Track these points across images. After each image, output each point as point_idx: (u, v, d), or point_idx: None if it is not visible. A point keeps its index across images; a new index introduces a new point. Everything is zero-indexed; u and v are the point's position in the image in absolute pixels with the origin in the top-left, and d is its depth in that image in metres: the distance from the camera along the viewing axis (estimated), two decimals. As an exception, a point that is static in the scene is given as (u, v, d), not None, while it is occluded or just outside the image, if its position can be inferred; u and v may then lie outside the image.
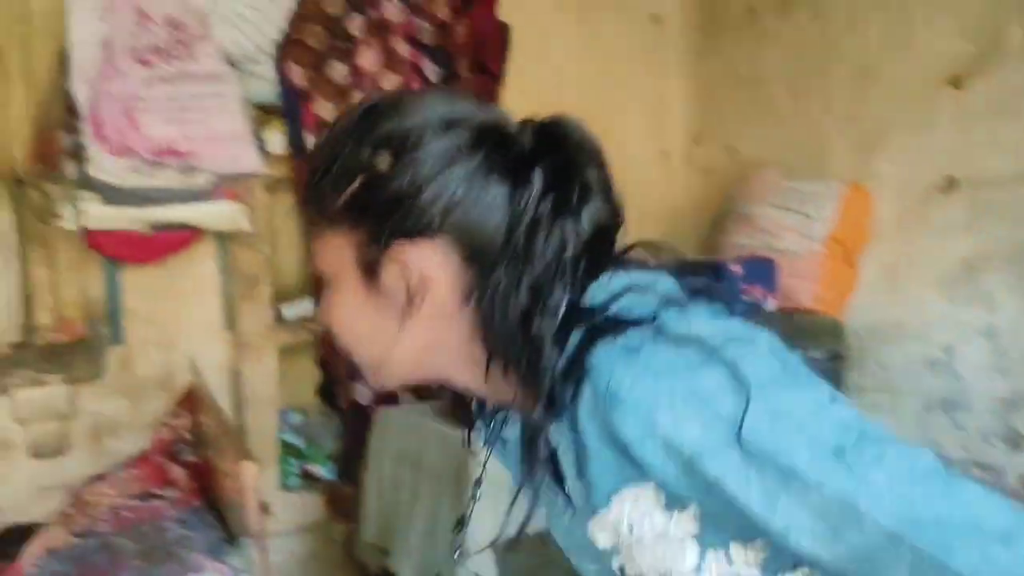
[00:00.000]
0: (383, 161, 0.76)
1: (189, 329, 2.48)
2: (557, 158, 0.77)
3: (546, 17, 2.92)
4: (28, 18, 2.27)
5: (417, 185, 0.75)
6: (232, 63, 2.25)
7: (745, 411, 0.66)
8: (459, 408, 1.01)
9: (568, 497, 0.78)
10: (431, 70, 2.61)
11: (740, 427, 0.66)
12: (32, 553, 1.57)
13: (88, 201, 2.13)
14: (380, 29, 2.54)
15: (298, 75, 2.42)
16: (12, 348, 2.21)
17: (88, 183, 2.11)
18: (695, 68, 3.09)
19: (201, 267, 2.49)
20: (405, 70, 2.58)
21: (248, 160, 2.19)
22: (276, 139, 2.42)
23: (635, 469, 0.73)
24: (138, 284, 2.42)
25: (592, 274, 0.77)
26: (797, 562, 0.72)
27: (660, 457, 0.70)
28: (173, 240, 2.32)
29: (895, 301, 2.36)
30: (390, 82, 2.56)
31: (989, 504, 0.64)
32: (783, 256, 2.37)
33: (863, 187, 2.41)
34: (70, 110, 2.11)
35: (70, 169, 2.13)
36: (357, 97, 2.50)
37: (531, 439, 0.76)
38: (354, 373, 2.41)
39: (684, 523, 0.75)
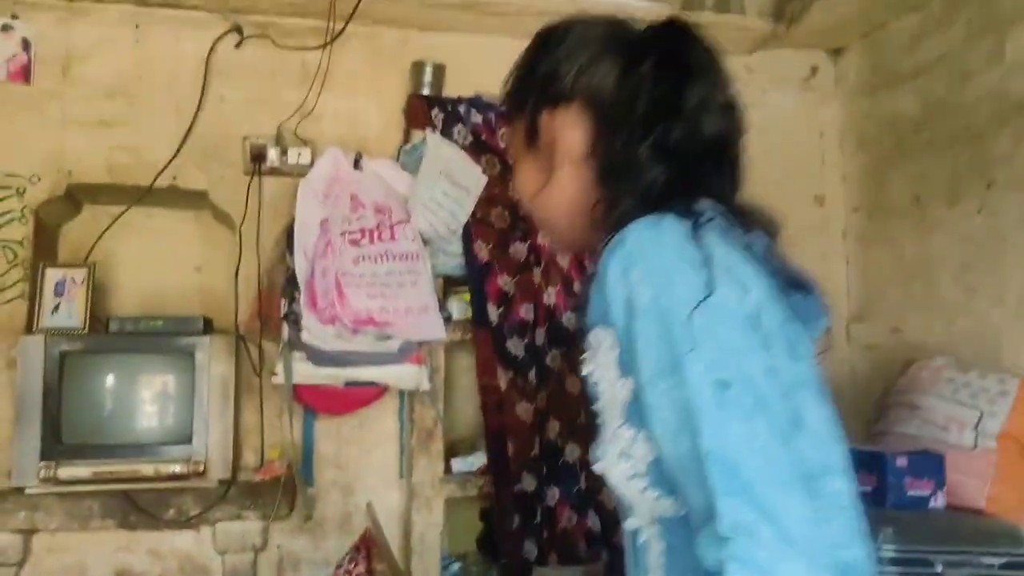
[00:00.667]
0: (532, 58, 1.05)
1: (369, 475, 2.71)
2: (665, 48, 1.00)
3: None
4: (258, 199, 2.67)
5: (556, 65, 1.02)
6: (426, 241, 2.53)
7: (691, 313, 0.81)
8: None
9: None
10: (602, 248, 2.81)
11: (671, 315, 0.82)
12: None
13: (298, 360, 2.43)
14: (558, 210, 2.78)
15: (483, 251, 2.68)
16: (220, 484, 2.49)
17: (300, 344, 2.40)
18: (859, 249, 3.15)
19: (384, 420, 2.74)
20: (578, 247, 2.79)
21: (434, 329, 2.44)
22: (457, 307, 2.67)
23: (607, 311, 0.89)
24: (329, 432, 2.69)
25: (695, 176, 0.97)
26: (675, 486, 0.86)
27: (619, 303, 0.87)
28: (363, 395, 2.59)
29: (1077, 507, 2.26)
30: (562, 257, 2.78)
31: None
32: (952, 451, 2.33)
33: (1041, 384, 2.36)
34: (290, 280, 2.45)
35: (285, 331, 2.45)
36: (535, 271, 2.74)
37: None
38: (522, 532, 2.54)
39: (623, 387, 0.89)
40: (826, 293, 3.27)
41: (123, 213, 2.69)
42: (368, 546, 2.33)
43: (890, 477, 2.25)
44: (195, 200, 2.78)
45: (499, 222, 2.75)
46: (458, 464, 2.69)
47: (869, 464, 2.31)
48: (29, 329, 2.47)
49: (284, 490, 2.54)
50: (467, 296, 2.65)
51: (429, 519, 2.61)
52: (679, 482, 0.84)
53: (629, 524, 0.96)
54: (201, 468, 2.45)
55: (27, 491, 2.39)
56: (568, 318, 2.74)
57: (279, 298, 2.57)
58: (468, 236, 2.66)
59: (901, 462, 2.27)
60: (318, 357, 2.40)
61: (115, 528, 2.46)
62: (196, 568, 2.55)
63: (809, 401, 0.88)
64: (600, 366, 0.92)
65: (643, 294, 0.85)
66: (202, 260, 2.91)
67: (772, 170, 3.15)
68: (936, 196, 2.81)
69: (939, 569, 2.12)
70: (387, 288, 2.42)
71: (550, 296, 2.75)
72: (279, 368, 2.45)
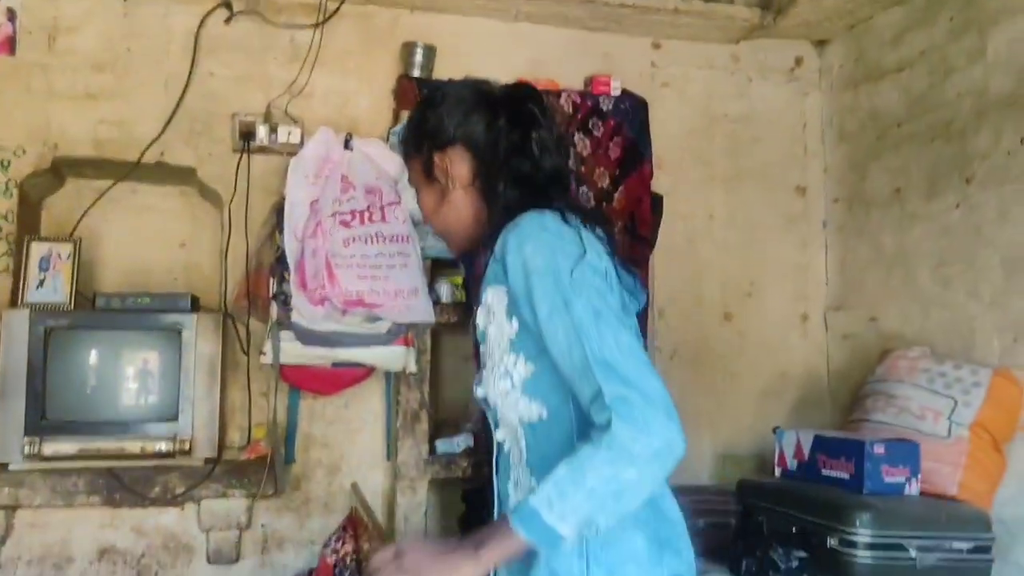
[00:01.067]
0: (423, 115, 1.45)
1: (353, 456, 2.73)
2: (515, 104, 1.41)
3: (697, 186, 3.13)
4: (247, 177, 2.66)
5: (440, 119, 1.41)
6: (416, 223, 2.54)
7: (572, 270, 1.20)
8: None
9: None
10: (589, 233, 2.84)
11: (559, 272, 1.20)
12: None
13: (286, 340, 2.43)
14: (546, 195, 2.80)
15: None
16: (206, 462, 2.49)
17: (288, 324, 2.41)
18: (838, 239, 3.21)
19: (369, 401, 2.75)
20: (565, 232, 2.82)
21: (423, 312, 2.45)
22: (447, 290, 2.68)
23: (503, 275, 1.26)
24: (314, 412, 2.70)
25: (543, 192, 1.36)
26: (541, 396, 1.26)
27: (517, 268, 1.23)
28: (350, 376, 2.59)
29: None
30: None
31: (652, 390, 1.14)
32: (926, 439, 2.40)
33: (1013, 375, 2.43)
34: (279, 259, 2.44)
35: (274, 310, 2.45)
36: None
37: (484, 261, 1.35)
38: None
39: (510, 328, 1.27)
40: (805, 282, 3.33)
41: (110, 188, 2.67)
42: (355, 525, 2.36)
43: (868, 464, 2.31)
44: (181, 176, 2.76)
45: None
46: (443, 446, 2.71)
47: (848, 451, 2.37)
48: (13, 304, 2.45)
49: (269, 469, 2.55)
50: (457, 279, 2.66)
51: (413, 500, 2.63)
52: (572, 383, 1.20)
53: (498, 435, 1.36)
54: (187, 446, 2.45)
55: (11, 467, 2.37)
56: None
57: (267, 277, 2.56)
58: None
59: (879, 450, 2.33)
60: (307, 337, 2.40)
61: (100, 505, 2.45)
62: (180, 546, 2.56)
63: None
64: (490, 314, 1.30)
65: (536, 260, 1.22)
66: (187, 237, 2.89)
67: (756, 159, 3.21)
68: (916, 189, 2.87)
69: (912, 554, 2.19)
70: (377, 270, 2.42)
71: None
72: (267, 347, 2.45)
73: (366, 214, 2.48)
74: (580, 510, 1.11)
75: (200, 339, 2.49)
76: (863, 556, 2.19)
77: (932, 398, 2.49)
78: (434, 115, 1.43)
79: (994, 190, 2.57)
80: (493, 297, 1.30)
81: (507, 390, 1.28)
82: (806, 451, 2.52)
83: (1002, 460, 2.43)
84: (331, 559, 2.23)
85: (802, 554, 2.20)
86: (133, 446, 2.42)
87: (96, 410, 2.43)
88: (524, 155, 1.38)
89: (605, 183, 2.89)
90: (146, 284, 2.75)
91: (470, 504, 2.83)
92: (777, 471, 2.63)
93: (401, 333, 2.50)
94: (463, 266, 2.67)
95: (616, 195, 2.90)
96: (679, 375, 3.04)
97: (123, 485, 2.45)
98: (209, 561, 2.55)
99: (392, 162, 2.61)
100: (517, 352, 1.27)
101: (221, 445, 2.55)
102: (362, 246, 2.44)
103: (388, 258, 2.44)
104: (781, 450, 2.62)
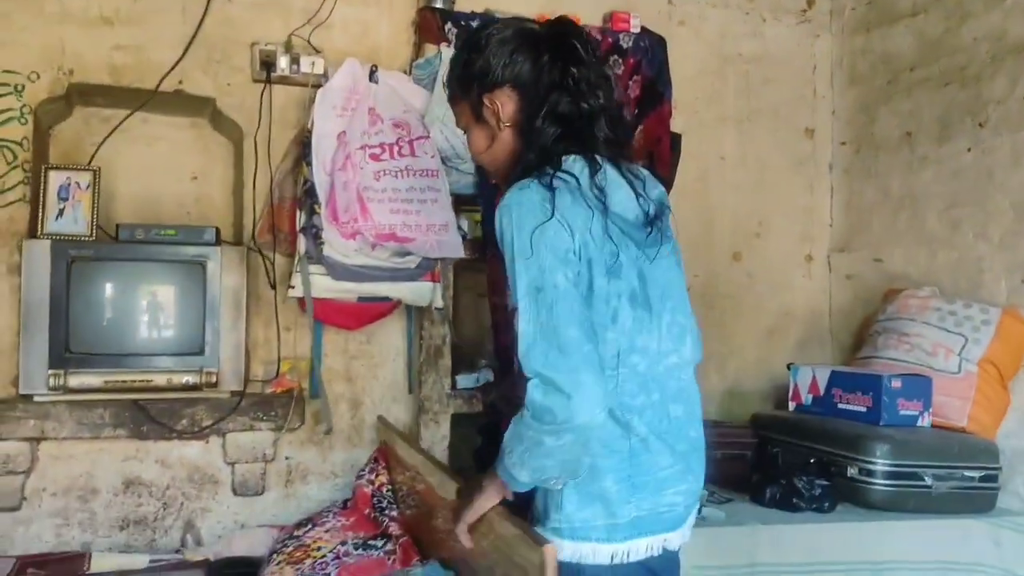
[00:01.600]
0: (468, 58, 1.50)
1: (376, 390, 2.74)
2: (557, 41, 1.45)
3: (710, 126, 3.15)
4: (264, 108, 2.60)
5: (487, 62, 1.46)
6: (444, 159, 2.52)
7: (527, 246, 1.30)
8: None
9: None
10: (609, 172, 2.85)
11: (516, 249, 1.31)
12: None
13: (315, 273, 2.42)
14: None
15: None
16: (232, 395, 2.49)
17: (319, 258, 2.39)
18: (844, 182, 3.27)
19: (391, 336, 2.76)
20: (585, 170, 2.82)
21: (453, 247, 2.45)
22: (467, 226, 2.68)
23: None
24: (337, 347, 2.70)
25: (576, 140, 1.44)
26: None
27: (499, 238, 1.36)
28: (374, 311, 2.59)
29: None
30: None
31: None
32: (938, 375, 2.50)
33: (1020, 314, 2.53)
34: (308, 192, 2.41)
35: (302, 244, 2.43)
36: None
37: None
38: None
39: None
40: (811, 223, 3.39)
41: (128, 117, 2.59)
42: (386, 457, 2.38)
43: (885, 398, 2.40)
44: (196, 107, 2.69)
45: (508, 142, 2.74)
46: (463, 380, 2.74)
47: (865, 386, 2.46)
48: (32, 234, 2.39)
49: (292, 402, 2.56)
50: (477, 216, 2.66)
51: (437, 433, 2.67)
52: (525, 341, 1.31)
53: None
54: (213, 379, 2.44)
55: (36, 399, 2.34)
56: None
57: (291, 211, 2.54)
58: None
59: (895, 384, 2.42)
60: (337, 271, 2.39)
61: (126, 438, 2.44)
62: (205, 477, 2.56)
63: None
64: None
65: (508, 232, 1.34)
66: (198, 169, 2.83)
67: (767, 100, 3.24)
68: (926, 133, 2.92)
69: (928, 481, 2.30)
70: (409, 204, 2.41)
71: (557, 218, 2.78)
72: (295, 280, 2.44)
73: (395, 148, 2.46)
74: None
75: (225, 272, 2.47)
76: (881, 484, 2.30)
77: (943, 335, 2.58)
78: (480, 58, 1.47)
79: (1008, 135, 2.64)
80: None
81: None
82: (822, 386, 2.60)
83: (1007, 395, 2.54)
84: (368, 489, 2.25)
85: (824, 482, 2.29)
86: (159, 379, 2.40)
87: (121, 343, 2.40)
88: (564, 90, 1.43)
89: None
90: (157, 216, 2.69)
91: (485, 437, 2.88)
92: (791, 405, 2.72)
93: (430, 268, 2.50)
94: (482, 203, 2.66)
95: (636, 135, 2.90)
96: (689, 313, 3.09)
97: (150, 417, 2.44)
98: (235, 493, 2.57)
99: (418, 96, 2.58)
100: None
101: (246, 379, 2.54)
102: (393, 180, 2.42)
103: (419, 192, 2.43)
104: (796, 385, 2.70)
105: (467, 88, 1.50)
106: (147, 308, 2.44)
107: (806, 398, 2.66)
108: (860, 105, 3.22)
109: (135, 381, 2.38)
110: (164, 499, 2.53)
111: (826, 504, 2.28)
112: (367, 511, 2.18)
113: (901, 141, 3.02)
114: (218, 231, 2.52)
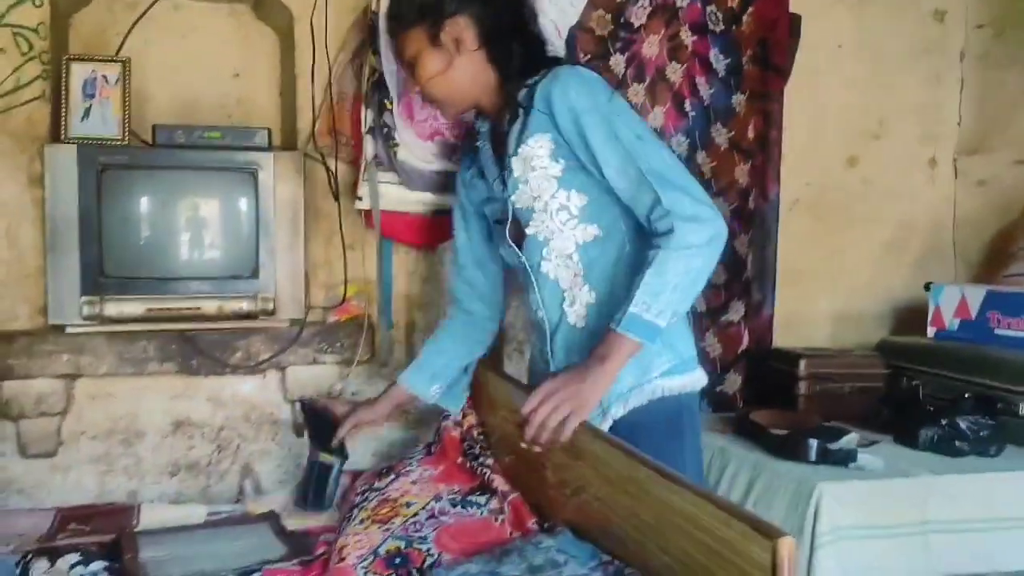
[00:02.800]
0: None
1: (451, 316, 2.41)
2: None
3: (823, 6, 2.70)
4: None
5: None
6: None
7: (611, 102, 1.46)
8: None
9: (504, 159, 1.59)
10: (717, 59, 2.43)
11: (603, 109, 1.44)
12: (357, 555, 1.51)
13: (387, 183, 2.06)
14: (666, 14, 2.38)
15: (583, 63, 2.28)
16: (292, 324, 2.17)
17: (391, 164, 2.02)
18: (979, 71, 2.82)
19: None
20: (687, 58, 2.41)
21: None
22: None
23: (550, 122, 1.47)
24: (406, 268, 2.36)
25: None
26: (596, 219, 1.52)
27: (564, 112, 1.45)
28: (451, 226, 2.23)
29: None
30: (673, 71, 2.41)
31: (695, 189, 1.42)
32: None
33: None
34: (378, 85, 2.03)
35: (370, 147, 2.06)
36: (638, 88, 2.37)
37: (507, 118, 1.57)
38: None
39: (556, 169, 1.50)
40: (937, 122, 2.93)
41: (156, 2, 2.20)
42: (472, 396, 2.06)
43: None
44: (236, -14, 2.30)
45: (599, 27, 2.34)
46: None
47: (1033, 308, 2.09)
48: (56, 138, 2.03)
49: (359, 331, 2.24)
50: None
51: (522, 364, 2.33)
52: (629, 198, 1.45)
53: (544, 268, 1.58)
54: (271, 306, 2.11)
55: (68, 330, 2.03)
56: (678, 140, 2.40)
57: (354, 109, 2.17)
58: (571, 44, 2.25)
59: (1071, 306, 2.05)
60: (414, 179, 2.02)
61: (174, 374, 2.14)
62: (262, 416, 2.26)
63: None
64: (528, 163, 1.51)
65: (582, 101, 1.44)
66: (240, 65, 2.44)
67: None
68: (1090, 9, 2.48)
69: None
70: (496, 97, 2.02)
71: (656, 117, 2.39)
72: (363, 191, 2.08)
73: (477, 31, 2.05)
74: (670, 304, 1.37)
75: (279, 182, 2.11)
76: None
77: (1122, 249, 2.20)
78: None
79: None
80: (535, 145, 1.50)
81: (566, 220, 1.52)
82: (974, 309, 2.24)
83: None
84: (455, 432, 1.93)
85: (990, 422, 1.95)
86: (209, 306, 2.07)
87: (163, 265, 2.07)
88: (526, 18, 1.61)
89: (734, 2, 2.46)
90: (193, 118, 2.33)
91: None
92: (931, 331, 2.36)
93: (518, 174, 2.13)
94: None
95: (745, 17, 2.47)
96: (797, 227, 2.71)
97: (199, 350, 2.13)
98: (297, 434, 2.27)
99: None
100: (568, 188, 1.51)
101: (307, 306, 2.21)
102: (476, 68, 2.02)
103: (507, 83, 2.04)
104: (938, 308, 2.34)
105: (423, 13, 1.55)
106: (191, 224, 2.10)
107: (951, 323, 2.30)
108: (1002, -20, 2.75)
109: (181, 309, 2.05)
110: (218, 441, 2.24)
111: (993, 448, 1.94)
112: (458, 459, 1.87)
113: (1055, 20, 2.58)
114: (270, 133, 2.15)
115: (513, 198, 1.57)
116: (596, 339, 1.46)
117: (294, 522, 1.84)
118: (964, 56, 2.86)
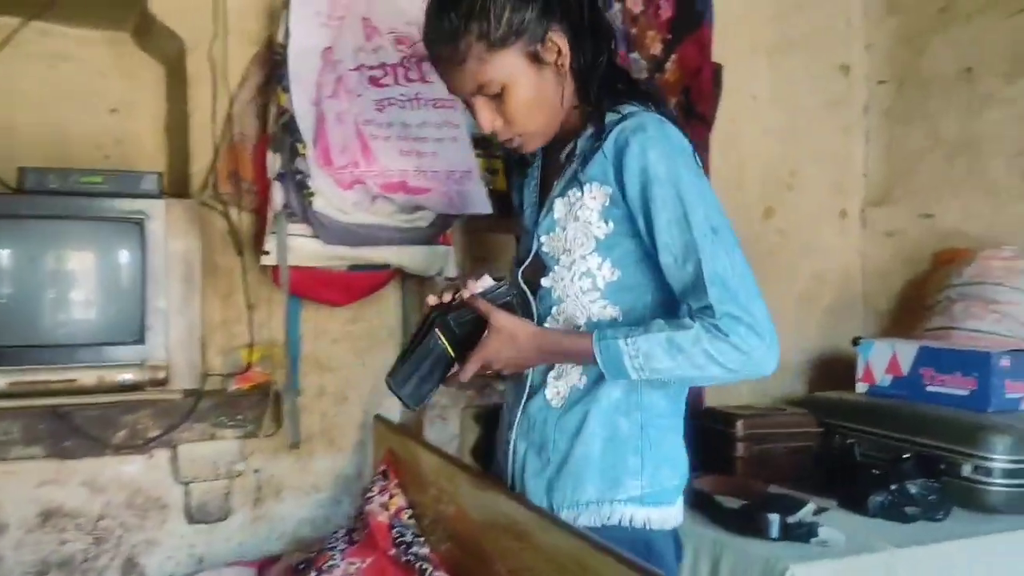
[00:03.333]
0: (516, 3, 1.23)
1: (364, 381, 2.19)
2: None
3: (742, 57, 2.68)
4: (217, 14, 1.98)
5: (537, 5, 1.23)
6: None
7: (691, 185, 1.21)
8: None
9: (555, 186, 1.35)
10: (642, 109, 2.35)
11: (681, 185, 1.20)
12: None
13: (298, 235, 1.84)
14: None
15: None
16: (185, 395, 1.90)
17: (304, 215, 1.81)
18: (884, 125, 2.87)
19: (382, 314, 2.21)
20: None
21: (478, 200, 1.90)
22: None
23: (613, 175, 1.25)
24: (315, 329, 2.13)
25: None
26: (620, 301, 1.30)
27: (634, 172, 1.22)
28: (369, 282, 2.04)
29: None
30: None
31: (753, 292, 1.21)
32: (1034, 348, 2.15)
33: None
34: (287, 128, 1.82)
35: (279, 196, 1.83)
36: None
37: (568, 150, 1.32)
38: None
39: (601, 229, 1.28)
40: (845, 173, 2.97)
41: (22, 27, 1.91)
42: (396, 470, 1.86)
43: (993, 379, 2.03)
44: (112, 12, 2.04)
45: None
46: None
47: (967, 364, 2.08)
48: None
49: (264, 400, 1.99)
50: (497, 163, 2.11)
51: (445, 432, 2.15)
52: (677, 290, 1.24)
53: (548, 324, 1.35)
54: (161, 375, 1.84)
55: (-89, 411, 1.69)
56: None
57: (255, 152, 1.94)
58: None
59: (1004, 362, 2.05)
60: (330, 231, 1.81)
61: (42, 457, 1.82)
62: (149, 502, 1.96)
63: None
64: (575, 209, 1.30)
65: (659, 168, 1.21)
66: (119, 99, 2.19)
67: (800, 29, 2.81)
68: (991, 68, 2.55)
69: (1051, 478, 1.94)
70: (422, 144, 1.84)
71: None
72: (270, 244, 1.85)
73: (400, 70, 1.88)
74: (655, 373, 1.22)
75: (171, 233, 1.86)
76: (1001, 484, 1.93)
77: (1040, 303, 2.23)
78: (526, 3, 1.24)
79: (1105, 70, 2.28)
80: (587, 195, 1.28)
81: (586, 290, 1.31)
82: (905, 365, 2.21)
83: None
84: (382, 517, 1.71)
85: (936, 485, 1.90)
86: (87, 377, 1.78)
87: (31, 331, 1.76)
88: (596, 22, 1.33)
89: (657, 50, 2.39)
90: (63, 159, 2.05)
91: (488, 429, 2.38)
92: (861, 387, 2.32)
93: (445, 228, 1.96)
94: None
95: (668, 64, 2.41)
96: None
97: (74, 429, 1.82)
98: (190, 519, 1.98)
99: (416, 5, 2.00)
100: (603, 255, 1.30)
101: (204, 373, 1.94)
102: (400, 111, 1.85)
103: (435, 129, 1.86)
104: (868, 364, 2.30)
105: (519, 32, 1.23)
106: (64, 283, 1.81)
107: (882, 378, 2.26)
108: (903, 37, 2.81)
109: (53, 381, 1.76)
110: (96, 532, 1.92)
111: (940, 512, 1.89)
112: (390, 550, 1.65)
113: (958, 78, 2.64)
114: (160, 177, 1.89)
115: (543, 239, 1.36)
116: (560, 431, 1.34)
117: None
118: (868, 110, 2.91)
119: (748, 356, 1.18)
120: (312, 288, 1.98)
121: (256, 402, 1.97)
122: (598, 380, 1.31)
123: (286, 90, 1.82)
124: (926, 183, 2.74)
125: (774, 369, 1.22)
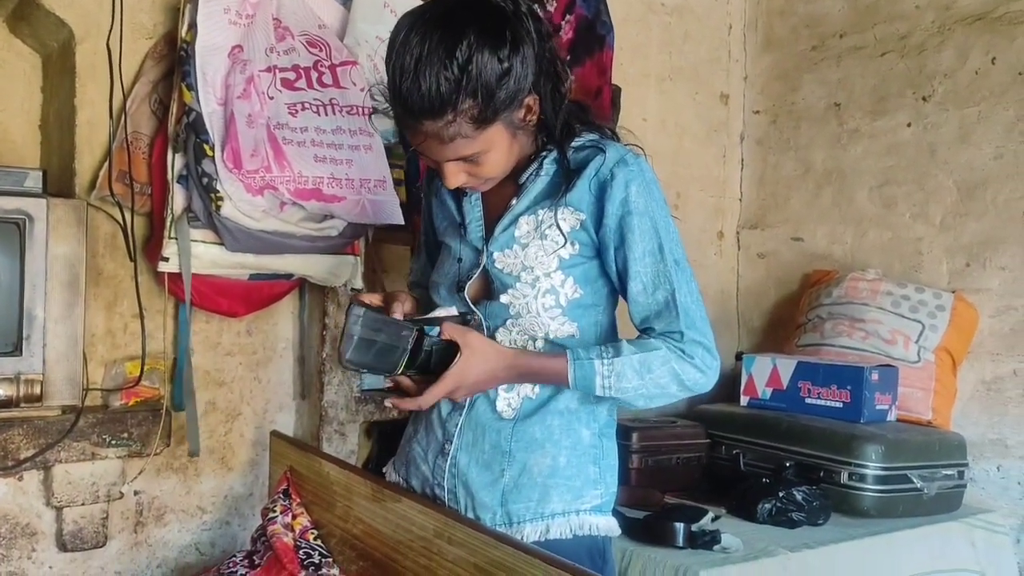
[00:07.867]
0: (501, 70, 1.18)
1: (258, 396, 2.09)
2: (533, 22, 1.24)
3: (634, 83, 2.77)
4: (113, 4, 1.84)
5: (521, 68, 1.19)
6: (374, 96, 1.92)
7: (666, 220, 1.29)
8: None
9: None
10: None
11: (657, 219, 1.28)
12: None
13: (202, 242, 1.73)
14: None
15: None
16: (63, 412, 1.74)
17: (209, 221, 1.71)
18: (758, 153, 3.04)
19: (278, 326, 2.12)
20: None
21: (391, 210, 1.86)
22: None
23: (593, 203, 1.29)
24: (206, 342, 2.02)
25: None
26: (579, 319, 1.33)
27: (615, 202, 1.27)
28: (270, 291, 1.96)
29: (993, 416, 2.38)
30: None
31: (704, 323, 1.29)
32: (898, 364, 2.32)
33: (968, 299, 2.42)
34: (192, 127, 1.72)
35: (179, 199, 1.73)
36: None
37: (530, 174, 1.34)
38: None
39: (567, 249, 1.31)
40: (724, 197, 3.14)
41: None
42: (297, 490, 1.78)
43: (866, 392, 2.18)
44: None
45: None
46: (372, 380, 2.16)
47: (842, 379, 2.22)
48: None
49: (150, 417, 1.86)
50: (400, 172, 2.08)
51: (343, 448, 2.08)
52: (643, 314, 1.30)
53: (499, 335, 1.34)
54: (37, 390, 1.69)
55: None
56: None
57: (151, 153, 1.82)
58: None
59: (874, 377, 2.21)
60: (238, 238, 1.72)
61: None
62: (16, 529, 1.79)
63: None
64: (543, 229, 1.31)
65: (639, 201, 1.27)
66: (-13, 89, 2.00)
67: (686, 59, 2.93)
68: (858, 105, 2.75)
69: (918, 484, 2.11)
70: (337, 150, 1.78)
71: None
72: (170, 250, 1.74)
73: (313, 73, 1.82)
74: (619, 392, 1.27)
75: (55, 236, 1.71)
76: (874, 490, 2.07)
77: (901, 322, 2.42)
78: (511, 64, 1.18)
79: (955, 110, 2.51)
80: (561, 216, 1.30)
81: (549, 307, 1.32)
82: (785, 378, 2.34)
83: (956, 383, 2.43)
84: (287, 538, 1.63)
85: (817, 491, 2.02)
86: (-48, 393, 1.61)
87: None
88: (556, 70, 1.29)
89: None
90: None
91: (381, 443, 2.33)
92: (744, 400, 2.43)
93: (355, 237, 1.90)
94: (408, 157, 2.10)
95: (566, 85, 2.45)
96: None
97: (-67, 451, 1.63)
98: (63, 548, 1.82)
99: (327, 9, 1.95)
100: (567, 274, 1.32)
101: (85, 388, 1.79)
102: (314, 116, 1.78)
103: (350, 136, 1.81)
104: (750, 377, 2.42)
105: (505, 108, 1.20)
106: (-72, 287, 1.63)
107: (763, 392, 2.39)
108: (778, 72, 3.00)
109: (-89, 398, 1.58)
110: (-48, 565, 1.73)
111: (821, 518, 2.01)
112: (298, 573, 1.57)
113: (827, 112, 2.84)
114: (45, 175, 1.73)
115: (496, 255, 1.34)
116: (517, 441, 1.33)
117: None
118: (744, 138, 3.07)
119: (705, 375, 1.28)
120: (209, 297, 1.87)
121: (143, 419, 1.84)
122: (553, 391, 1.33)
123: (191, 88, 1.72)
124: (796, 208, 2.92)
125: (709, 385, 1.31)
